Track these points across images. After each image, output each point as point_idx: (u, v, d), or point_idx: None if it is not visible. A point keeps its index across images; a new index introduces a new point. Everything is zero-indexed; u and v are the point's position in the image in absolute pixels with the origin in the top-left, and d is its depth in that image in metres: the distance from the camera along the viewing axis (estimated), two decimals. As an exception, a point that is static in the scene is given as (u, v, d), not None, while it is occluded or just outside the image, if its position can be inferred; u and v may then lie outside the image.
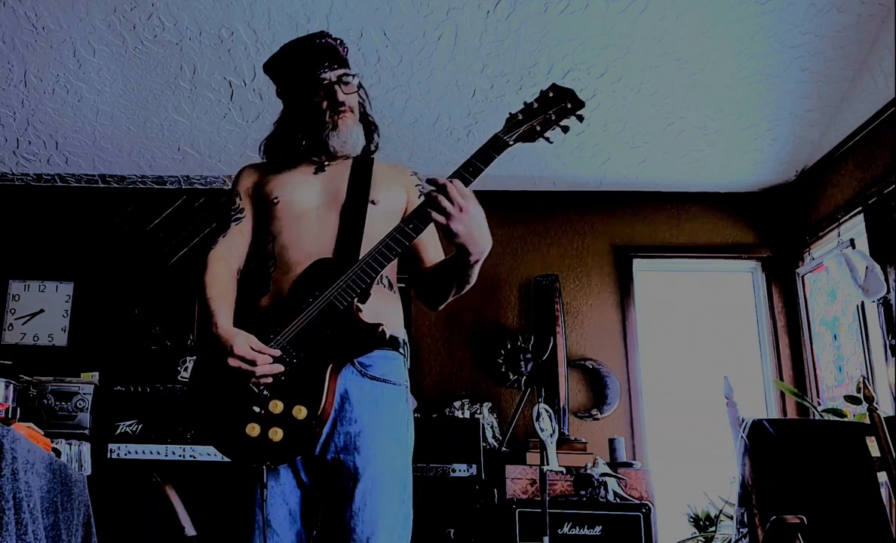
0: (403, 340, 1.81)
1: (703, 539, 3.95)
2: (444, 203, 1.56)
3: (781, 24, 3.66)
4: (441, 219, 1.57)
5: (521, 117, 1.70)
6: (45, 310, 4.60)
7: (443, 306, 1.87)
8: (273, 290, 1.77)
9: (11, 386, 3.76)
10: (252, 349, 1.64)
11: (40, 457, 2.18)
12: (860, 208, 3.97)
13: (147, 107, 4.17)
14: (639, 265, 4.80)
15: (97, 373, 4.20)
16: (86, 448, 3.71)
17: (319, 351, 1.66)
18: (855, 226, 4.06)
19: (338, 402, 1.68)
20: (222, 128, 4.31)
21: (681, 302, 4.83)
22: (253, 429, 1.61)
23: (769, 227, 4.80)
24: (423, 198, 1.91)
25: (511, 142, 1.68)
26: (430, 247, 1.92)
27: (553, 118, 1.69)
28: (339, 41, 1.97)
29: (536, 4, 3.61)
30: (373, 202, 1.85)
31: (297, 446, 1.62)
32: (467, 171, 1.64)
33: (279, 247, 1.82)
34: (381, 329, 1.66)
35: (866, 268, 3.75)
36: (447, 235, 1.60)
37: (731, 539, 3.63)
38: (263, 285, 1.80)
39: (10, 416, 2.38)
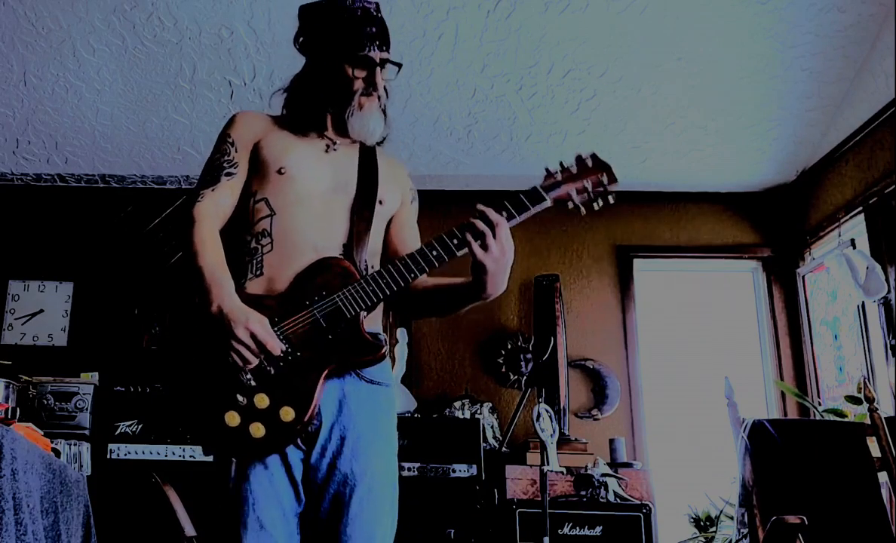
0: (385, 338, 1.74)
1: (704, 540, 3.95)
2: (490, 240, 1.58)
3: (782, 23, 3.66)
4: (480, 253, 1.59)
5: (559, 177, 1.70)
6: (45, 310, 4.59)
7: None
8: (266, 276, 1.66)
9: (11, 387, 3.76)
10: (266, 332, 1.54)
11: (40, 457, 2.18)
12: (861, 208, 3.97)
13: (147, 107, 4.17)
14: (639, 265, 4.79)
15: (97, 373, 4.19)
16: (85, 448, 3.71)
17: (317, 355, 1.61)
18: (855, 226, 4.05)
19: (336, 406, 1.64)
20: (222, 128, 4.30)
21: (681, 302, 4.83)
22: (232, 418, 1.55)
23: (770, 227, 4.79)
24: (415, 203, 1.93)
25: (548, 201, 1.68)
26: (408, 235, 1.88)
27: (589, 189, 1.71)
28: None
29: (536, 4, 3.61)
30: (380, 202, 1.79)
31: (275, 446, 1.58)
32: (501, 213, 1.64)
33: (278, 227, 1.69)
34: (384, 350, 1.65)
35: (867, 267, 3.75)
36: (475, 268, 1.61)
37: (731, 540, 3.63)
38: (253, 265, 1.68)
39: (9, 416, 2.38)
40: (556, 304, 4.40)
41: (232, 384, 1.57)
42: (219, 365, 1.57)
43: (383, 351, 1.65)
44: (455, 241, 1.63)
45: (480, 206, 1.61)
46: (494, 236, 1.59)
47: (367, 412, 1.67)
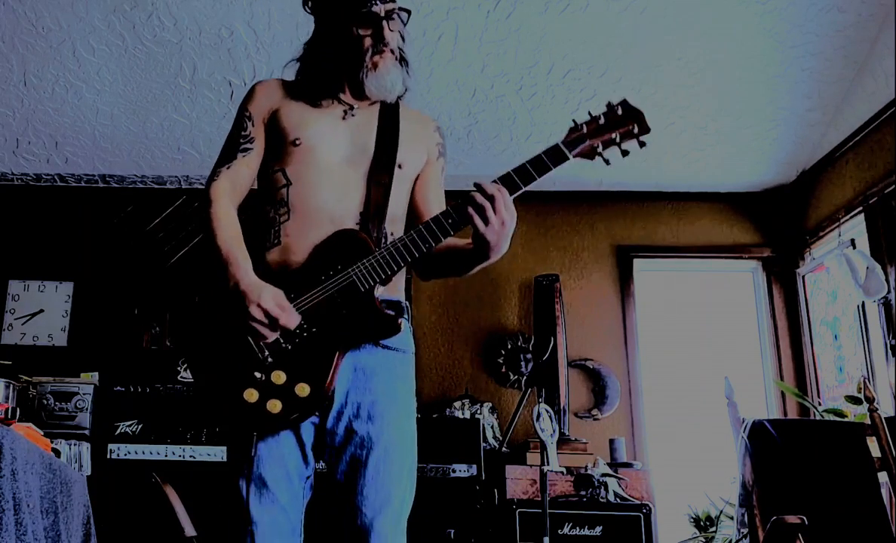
0: (407, 305, 1.75)
1: (704, 540, 3.95)
2: (490, 214, 1.56)
3: (782, 23, 3.66)
4: (481, 225, 1.57)
5: (584, 131, 1.66)
6: (45, 310, 4.59)
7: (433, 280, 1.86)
8: (283, 245, 1.66)
9: (11, 387, 3.76)
10: (279, 307, 1.55)
11: (40, 457, 2.17)
12: (861, 208, 3.97)
13: (147, 106, 4.17)
14: (639, 265, 4.79)
15: (97, 373, 4.19)
16: (85, 448, 3.71)
17: (332, 330, 1.61)
18: (855, 226, 4.05)
19: (351, 371, 1.64)
20: (222, 128, 4.26)
21: (681, 302, 4.83)
22: (251, 395, 1.57)
23: (770, 227, 4.79)
24: (441, 159, 1.89)
25: (571, 157, 1.64)
26: (432, 194, 1.85)
27: (617, 140, 1.66)
28: None
29: (536, 4, 3.61)
30: (399, 166, 1.75)
31: (292, 421, 1.60)
32: (520, 177, 1.63)
33: (295, 196, 1.68)
34: (399, 322, 1.64)
35: (867, 267, 3.75)
36: (476, 237, 1.60)
37: (731, 540, 3.63)
38: (272, 235, 1.68)
39: (9, 416, 2.38)
40: (556, 304, 4.40)
41: (250, 361, 1.59)
42: (237, 342, 1.59)
43: (398, 324, 1.64)
44: (450, 221, 1.62)
45: (477, 182, 1.60)
46: (494, 210, 1.57)
47: (384, 377, 1.67)
